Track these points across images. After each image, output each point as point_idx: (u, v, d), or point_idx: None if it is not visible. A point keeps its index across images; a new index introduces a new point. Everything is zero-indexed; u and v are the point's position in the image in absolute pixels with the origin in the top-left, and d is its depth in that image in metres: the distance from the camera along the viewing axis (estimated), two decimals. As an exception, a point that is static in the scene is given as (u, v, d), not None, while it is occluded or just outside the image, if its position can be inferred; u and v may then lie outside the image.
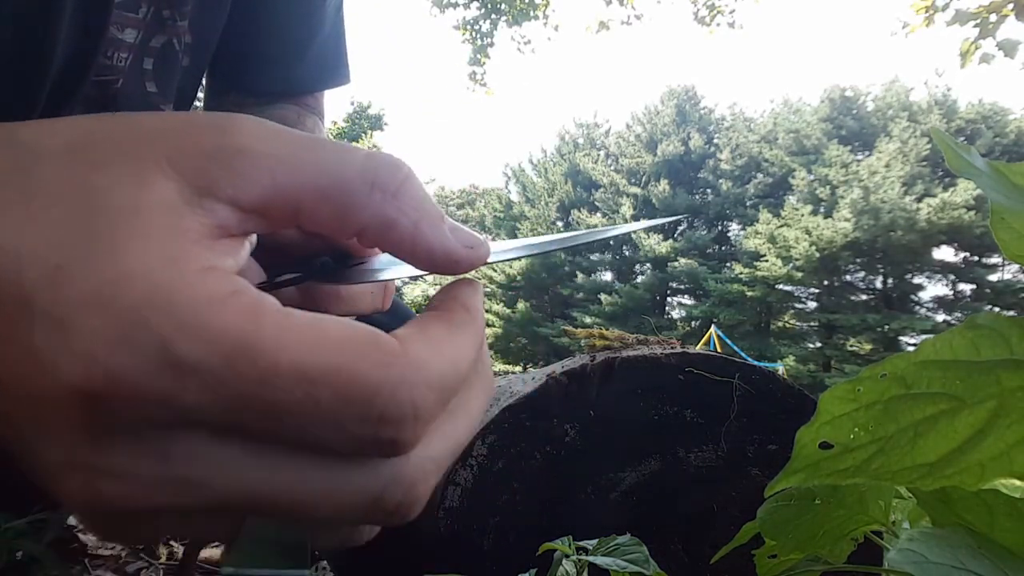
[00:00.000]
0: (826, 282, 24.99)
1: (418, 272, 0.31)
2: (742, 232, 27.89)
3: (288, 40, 0.78)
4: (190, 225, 0.20)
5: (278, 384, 0.19)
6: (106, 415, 0.18)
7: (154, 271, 0.19)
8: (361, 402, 0.19)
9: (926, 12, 4.94)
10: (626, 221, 28.41)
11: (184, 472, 0.19)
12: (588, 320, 26.69)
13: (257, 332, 0.19)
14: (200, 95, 0.78)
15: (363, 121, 34.46)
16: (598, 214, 29.75)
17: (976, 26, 4.62)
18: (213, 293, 0.19)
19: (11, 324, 0.18)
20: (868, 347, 23.28)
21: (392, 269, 0.32)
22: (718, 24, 7.51)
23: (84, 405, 0.18)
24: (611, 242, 29.89)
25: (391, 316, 0.82)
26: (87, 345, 0.18)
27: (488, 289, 30.72)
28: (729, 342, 14.96)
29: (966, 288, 24.44)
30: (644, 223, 0.42)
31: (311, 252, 0.44)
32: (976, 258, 23.67)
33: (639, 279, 29.55)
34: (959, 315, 22.86)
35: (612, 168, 31.30)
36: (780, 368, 14.67)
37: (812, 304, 26.07)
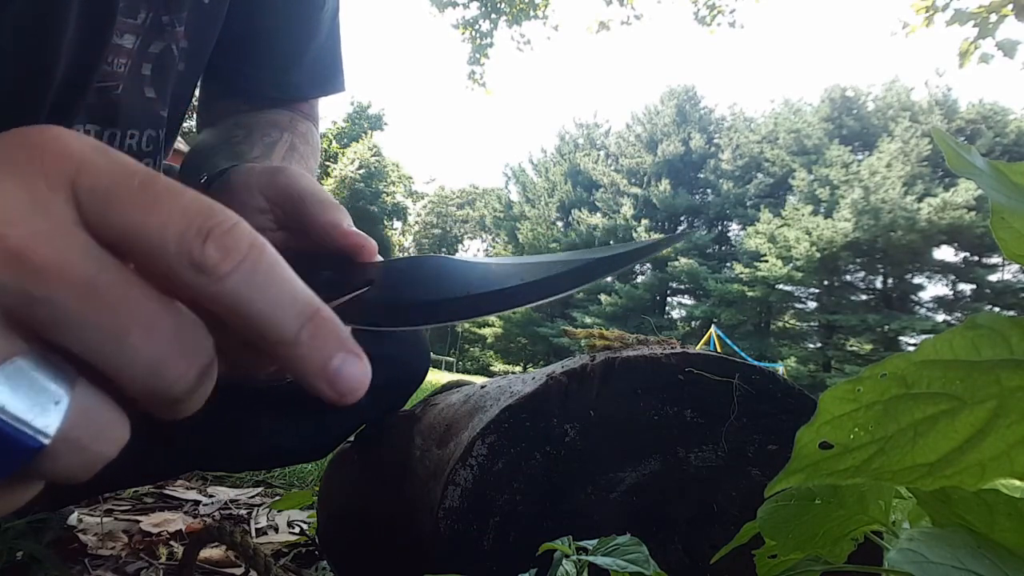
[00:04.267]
0: (826, 282, 24.99)
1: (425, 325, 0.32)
2: (742, 232, 27.89)
3: (284, 46, 0.78)
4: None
5: (24, 258, 0.19)
6: None
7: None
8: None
9: (926, 12, 4.94)
10: (626, 220, 28.42)
11: None
12: (588, 320, 26.70)
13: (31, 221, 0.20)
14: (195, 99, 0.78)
15: (363, 121, 34.46)
16: (598, 214, 29.74)
17: (976, 26, 4.61)
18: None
19: None
20: (868, 347, 23.28)
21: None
22: (718, 24, 7.51)
23: None
24: (610, 242, 29.86)
25: (400, 346, 0.82)
26: None
27: (488, 289, 30.63)
28: (729, 342, 14.95)
29: (966, 288, 24.43)
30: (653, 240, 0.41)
31: (308, 255, 0.44)
32: (976, 258, 23.66)
33: (639, 279, 29.54)
34: (959, 315, 22.85)
35: (612, 168, 31.29)
36: (780, 368, 14.67)
37: (812, 304, 26.08)
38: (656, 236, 0.43)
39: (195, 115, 0.82)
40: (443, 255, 0.37)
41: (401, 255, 27.55)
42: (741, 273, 25.25)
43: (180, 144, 0.89)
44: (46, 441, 0.20)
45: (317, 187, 0.44)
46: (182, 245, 0.21)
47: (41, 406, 0.20)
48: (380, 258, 0.41)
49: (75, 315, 0.20)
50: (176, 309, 0.22)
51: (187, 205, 0.21)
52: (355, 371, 0.23)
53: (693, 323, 27.23)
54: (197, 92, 0.77)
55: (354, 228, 0.41)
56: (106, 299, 0.20)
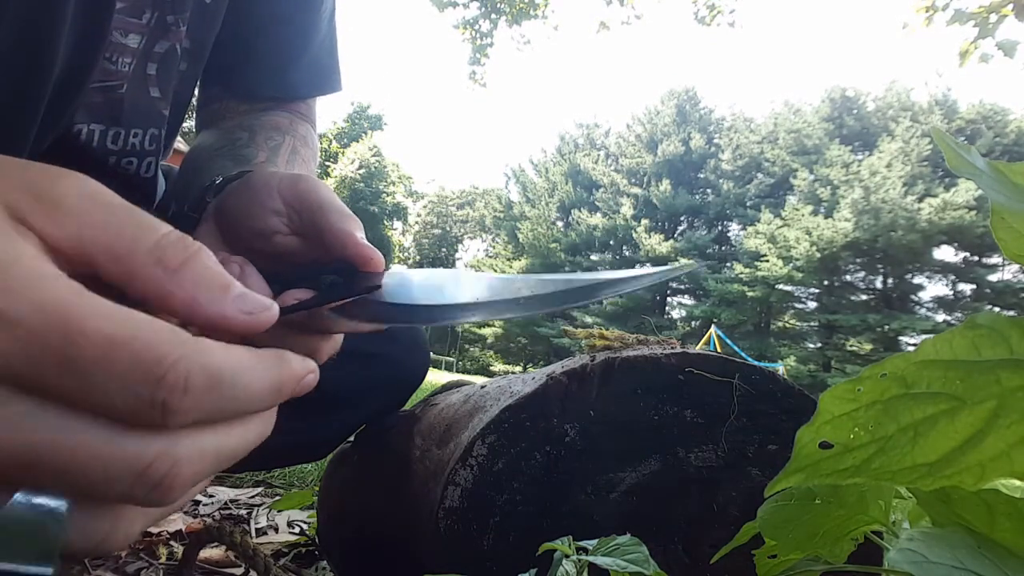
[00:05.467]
0: (826, 282, 24.98)
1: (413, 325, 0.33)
2: (742, 232, 27.88)
3: (283, 47, 0.78)
4: (12, 232, 0.24)
5: (82, 341, 0.22)
6: None
7: None
8: (149, 364, 0.23)
9: (926, 12, 4.93)
10: (626, 220, 28.39)
11: None
12: (588, 320, 26.69)
13: (76, 302, 0.23)
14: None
15: (363, 121, 34.46)
16: (598, 214, 29.73)
17: (976, 26, 4.61)
18: (43, 270, 0.23)
19: None
20: (868, 347, 23.27)
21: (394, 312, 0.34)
22: (718, 24, 7.51)
23: None
24: (611, 242, 29.87)
25: (400, 345, 0.82)
26: None
27: (488, 289, 30.63)
28: (729, 342, 14.95)
29: (966, 288, 24.42)
30: (651, 271, 0.42)
31: (314, 261, 0.44)
32: (976, 258, 23.65)
33: (639, 279, 29.43)
34: (959, 315, 22.85)
35: (612, 168, 31.27)
36: (780, 368, 14.66)
37: (812, 304, 26.07)
38: (664, 267, 0.43)
39: (195, 115, 0.82)
40: (451, 269, 0.38)
41: (402, 255, 27.33)
42: (741, 273, 25.24)
43: (180, 144, 0.89)
44: (51, 571, 0.23)
45: (336, 198, 0.45)
46: None
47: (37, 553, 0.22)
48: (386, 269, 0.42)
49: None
50: None
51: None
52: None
53: (693, 323, 27.23)
54: (196, 92, 0.77)
55: (366, 241, 0.42)
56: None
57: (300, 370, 0.28)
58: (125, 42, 0.59)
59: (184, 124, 0.81)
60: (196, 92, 0.77)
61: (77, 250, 0.26)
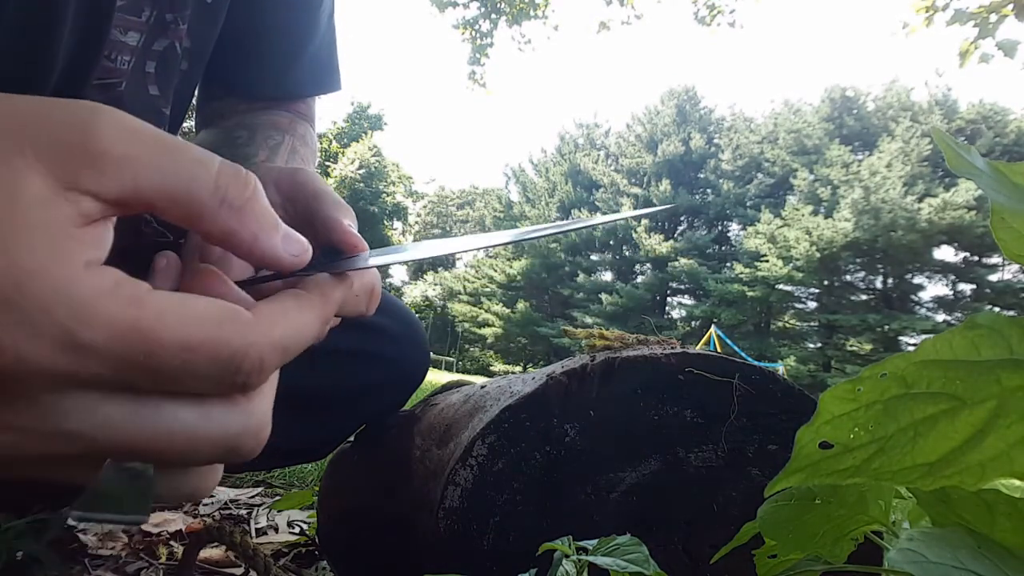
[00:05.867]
0: (826, 282, 24.98)
1: (393, 261, 0.34)
2: (742, 232, 27.87)
3: (282, 46, 0.78)
4: (62, 217, 0.23)
5: (163, 355, 0.23)
6: (14, 386, 0.22)
7: (48, 270, 0.22)
8: (226, 361, 0.25)
9: (926, 12, 4.93)
10: (626, 220, 28.37)
11: (78, 427, 0.24)
12: (588, 320, 26.69)
13: (141, 315, 0.23)
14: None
15: (363, 121, 34.46)
16: (598, 214, 29.69)
17: (976, 26, 4.61)
18: (100, 287, 0.23)
19: None
20: (868, 347, 23.27)
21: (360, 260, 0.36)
22: (718, 24, 7.51)
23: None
24: (611, 242, 29.84)
25: (392, 319, 0.82)
26: (3, 336, 0.22)
27: (488, 289, 30.74)
28: (729, 342, 14.95)
29: (966, 288, 24.43)
30: (632, 212, 0.43)
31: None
32: (976, 258, 23.65)
33: (639, 279, 29.53)
34: (959, 315, 22.85)
35: (612, 168, 31.28)
36: (780, 368, 14.66)
37: (812, 304, 26.07)
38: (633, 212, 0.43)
39: (194, 114, 0.82)
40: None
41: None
42: (741, 273, 25.24)
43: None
44: (147, 518, 0.26)
45: (331, 190, 0.46)
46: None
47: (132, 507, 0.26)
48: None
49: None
50: None
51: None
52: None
53: (693, 323, 27.22)
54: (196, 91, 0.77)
55: (354, 230, 0.42)
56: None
57: (339, 296, 0.31)
58: (124, 40, 0.59)
59: (184, 124, 0.81)
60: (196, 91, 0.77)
61: (135, 198, 0.25)
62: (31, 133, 0.24)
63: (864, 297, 25.13)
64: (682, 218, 29.92)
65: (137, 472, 0.25)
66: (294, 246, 0.29)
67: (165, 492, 0.27)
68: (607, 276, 30.57)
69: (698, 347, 0.70)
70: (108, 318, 0.23)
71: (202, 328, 0.24)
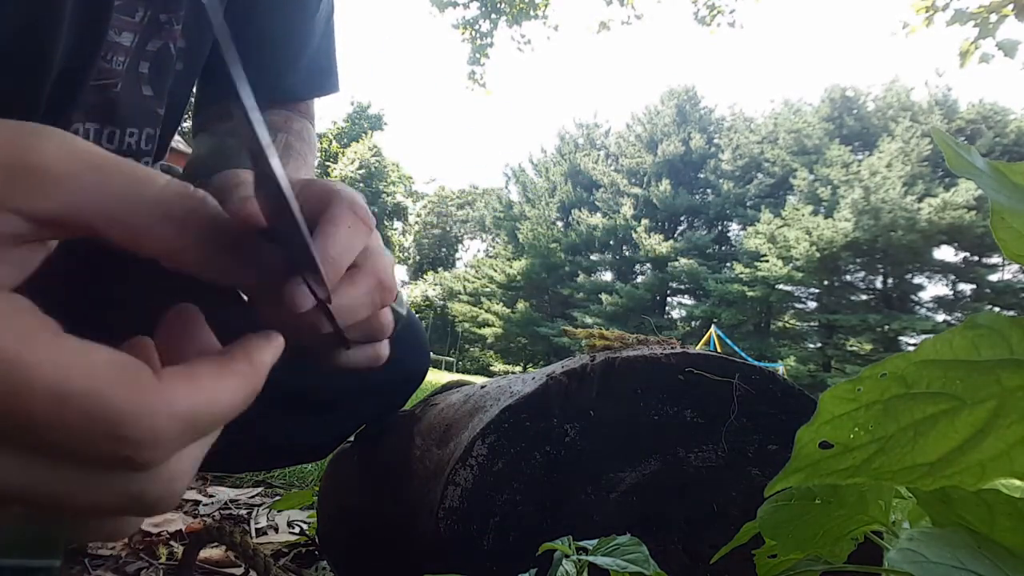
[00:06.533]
0: (826, 282, 24.98)
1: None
2: (742, 232, 27.88)
3: (281, 50, 0.78)
4: None
5: (31, 401, 0.20)
6: None
7: None
8: (105, 423, 0.21)
9: (926, 12, 4.93)
10: (626, 220, 28.38)
11: None
12: (588, 320, 26.68)
13: (21, 350, 0.20)
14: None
15: (363, 121, 34.47)
16: (598, 214, 29.74)
17: (976, 26, 4.61)
18: None
19: None
20: (868, 347, 23.27)
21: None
22: (718, 24, 7.51)
23: None
24: (611, 242, 29.83)
25: (400, 345, 0.82)
26: None
27: (488, 289, 30.73)
28: (729, 342, 14.95)
29: (966, 288, 24.43)
30: None
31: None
32: (976, 258, 23.66)
33: (639, 279, 29.53)
34: (959, 315, 22.85)
35: (612, 168, 31.27)
36: (780, 368, 14.67)
37: (812, 304, 26.07)
38: None
39: (191, 117, 0.82)
40: None
41: (402, 255, 27.26)
42: (741, 273, 25.23)
43: (181, 145, 0.89)
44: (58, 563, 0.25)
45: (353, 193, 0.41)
46: None
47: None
48: None
49: None
50: None
51: None
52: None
53: (693, 323, 27.22)
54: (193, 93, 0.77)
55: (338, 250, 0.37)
56: None
57: (269, 360, 0.27)
58: (119, 40, 0.59)
59: (185, 124, 0.81)
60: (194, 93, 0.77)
61: (72, 218, 0.24)
62: None
63: (864, 297, 25.14)
64: (682, 218, 29.93)
65: (47, 519, 0.24)
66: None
67: (76, 536, 0.24)
68: (607, 276, 30.57)
69: (698, 347, 0.70)
70: None
71: (85, 381, 0.21)
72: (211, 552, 0.91)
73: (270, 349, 0.28)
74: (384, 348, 0.41)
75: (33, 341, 0.21)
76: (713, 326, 15.87)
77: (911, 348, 0.27)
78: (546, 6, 7.83)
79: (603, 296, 27.73)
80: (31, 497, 0.22)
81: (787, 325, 26.05)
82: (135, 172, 0.25)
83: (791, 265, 24.03)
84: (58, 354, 0.21)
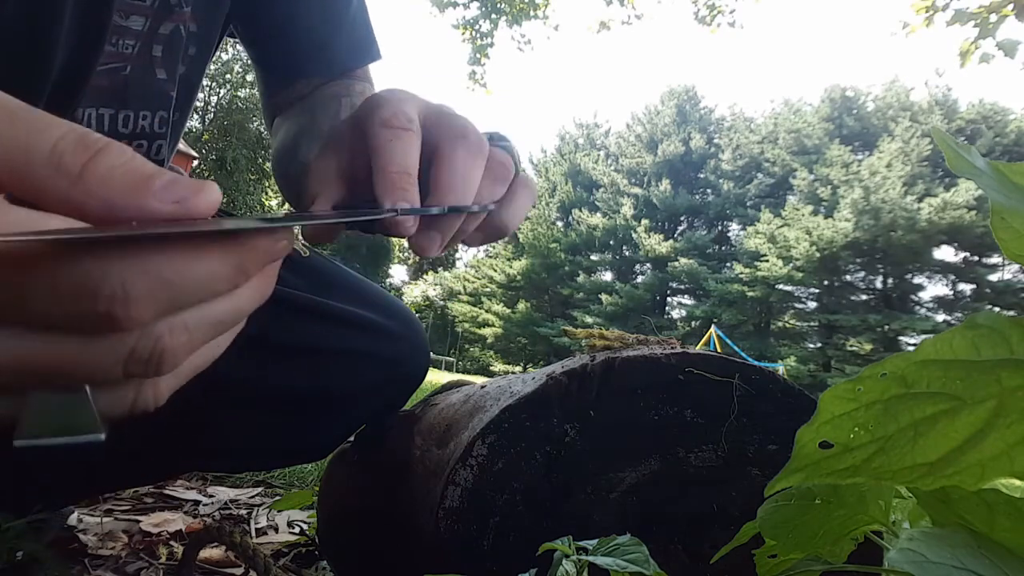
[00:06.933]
0: (826, 282, 24.98)
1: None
2: (743, 232, 27.87)
3: (321, 22, 0.78)
4: None
5: None
6: None
7: None
8: (74, 281, 0.21)
9: (926, 12, 4.93)
10: (626, 220, 28.39)
11: None
12: (588, 320, 26.68)
13: None
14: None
15: (363, 121, 34.33)
16: (598, 214, 29.74)
17: (976, 26, 4.61)
18: None
19: None
20: (868, 347, 23.27)
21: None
22: (718, 24, 7.51)
23: None
24: (611, 242, 29.80)
25: (392, 319, 0.82)
26: None
27: (488, 289, 30.72)
28: (729, 342, 14.95)
29: (966, 288, 24.43)
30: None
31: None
32: (976, 258, 23.66)
33: (639, 279, 29.52)
34: (959, 315, 22.84)
35: (612, 168, 31.26)
36: (780, 368, 14.66)
37: (812, 304, 26.07)
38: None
39: (262, 110, 0.84)
40: None
41: (402, 255, 27.09)
42: (741, 273, 25.24)
43: (181, 146, 0.89)
44: (103, 436, 0.24)
45: (392, 99, 0.42)
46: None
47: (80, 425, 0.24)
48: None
49: None
50: None
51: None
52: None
53: (693, 323, 27.21)
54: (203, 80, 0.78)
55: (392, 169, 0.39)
56: None
57: (264, 243, 0.26)
58: (126, 24, 0.59)
59: (190, 123, 0.82)
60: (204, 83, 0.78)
61: None
62: None
63: (864, 297, 25.14)
64: (682, 218, 29.92)
65: (69, 394, 0.24)
66: (179, 190, 0.24)
67: (104, 408, 0.25)
68: (607, 276, 30.57)
69: (698, 347, 0.70)
70: None
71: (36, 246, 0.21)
72: (211, 552, 0.91)
73: (268, 238, 0.27)
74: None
75: None
76: (713, 326, 15.87)
77: (911, 348, 0.27)
78: (546, 6, 7.83)
79: (603, 296, 27.73)
80: (31, 368, 0.22)
81: (787, 325, 26.05)
82: (36, 121, 0.24)
83: (791, 265, 24.04)
84: (12, 218, 0.21)
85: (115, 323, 0.22)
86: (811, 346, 25.38)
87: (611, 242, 29.93)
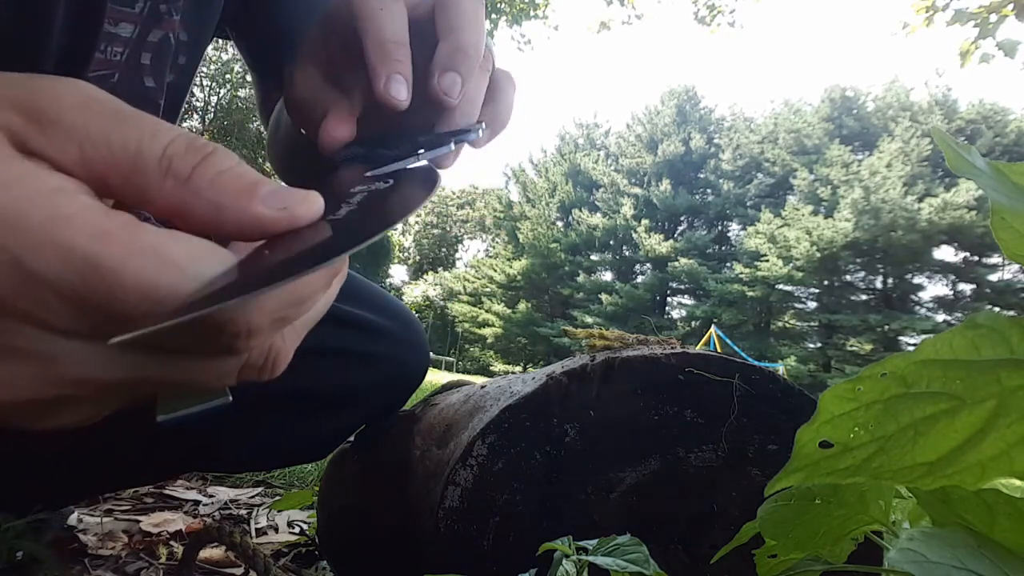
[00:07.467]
0: (826, 282, 24.99)
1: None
2: (743, 232, 27.86)
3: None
4: (14, 155, 0.22)
5: (124, 301, 0.21)
6: None
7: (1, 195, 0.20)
8: (205, 325, 0.22)
9: (926, 12, 4.93)
10: (626, 220, 28.38)
11: (68, 371, 0.22)
12: (588, 320, 26.68)
13: (103, 251, 0.21)
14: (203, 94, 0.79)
15: (363, 121, 34.31)
16: (598, 214, 29.74)
17: (976, 26, 4.61)
18: (59, 211, 0.21)
19: None
20: (868, 347, 23.27)
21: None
22: (718, 24, 7.51)
23: None
24: (611, 242, 29.81)
25: (391, 319, 0.82)
26: None
27: (488, 289, 30.72)
28: (729, 342, 14.95)
29: (966, 288, 24.43)
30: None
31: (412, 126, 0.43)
32: (976, 258, 23.66)
33: (639, 279, 29.52)
34: (959, 315, 22.85)
35: (612, 168, 31.26)
36: (780, 368, 14.66)
37: (812, 304, 26.07)
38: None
39: (260, 117, 0.84)
40: None
41: (402, 255, 27.10)
42: (741, 273, 25.24)
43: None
44: (230, 398, 0.27)
45: (383, 13, 0.40)
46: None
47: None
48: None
49: None
50: None
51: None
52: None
53: (693, 323, 27.20)
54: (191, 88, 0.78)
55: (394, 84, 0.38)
56: None
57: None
58: (116, 31, 0.59)
59: (184, 125, 0.82)
60: (199, 89, 0.78)
61: (86, 172, 0.23)
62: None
63: (864, 297, 25.14)
64: (682, 218, 29.92)
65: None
66: (281, 198, 0.25)
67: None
68: (607, 276, 30.56)
69: (698, 347, 0.70)
70: (62, 246, 0.20)
71: (171, 278, 0.21)
72: (211, 552, 0.91)
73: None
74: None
75: (110, 239, 0.21)
76: (713, 326, 15.87)
77: (911, 348, 0.27)
78: (546, 6, 7.83)
79: (603, 296, 27.73)
80: (158, 381, 0.24)
81: (787, 325, 26.05)
82: (145, 126, 0.24)
83: (791, 265, 24.04)
84: (142, 251, 0.21)
85: (237, 351, 0.24)
86: (811, 346, 25.39)
87: (611, 242, 29.93)
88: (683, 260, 26.93)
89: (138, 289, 0.21)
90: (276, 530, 1.10)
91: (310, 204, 0.25)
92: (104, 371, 0.22)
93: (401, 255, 37.37)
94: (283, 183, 0.72)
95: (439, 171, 0.36)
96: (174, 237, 0.22)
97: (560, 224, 31.33)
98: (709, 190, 29.36)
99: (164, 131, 0.24)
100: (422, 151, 0.38)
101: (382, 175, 0.35)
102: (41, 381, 0.22)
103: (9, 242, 0.20)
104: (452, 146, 0.39)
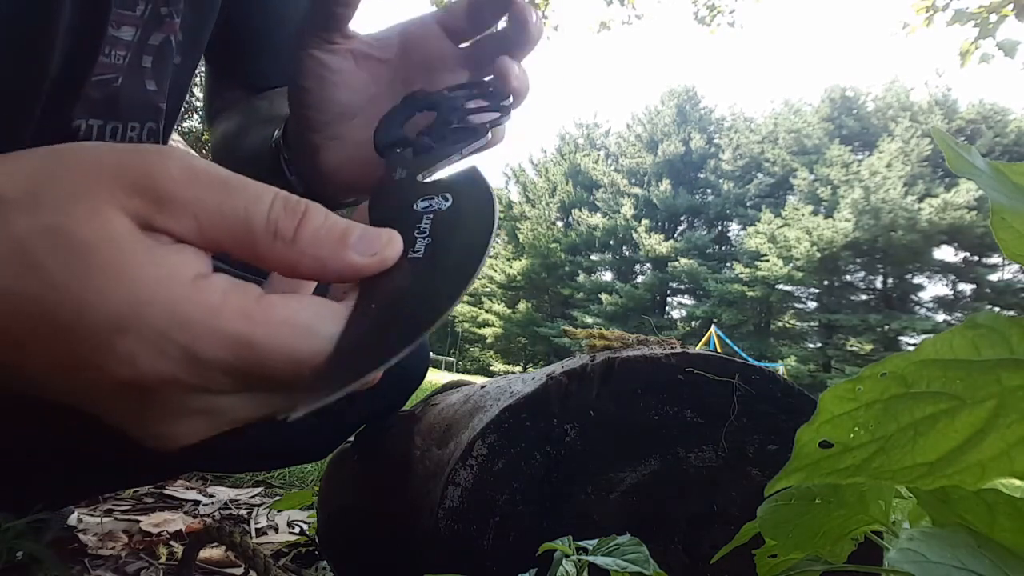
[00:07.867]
0: (826, 282, 24.98)
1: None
2: (743, 232, 27.86)
3: (286, 34, 0.78)
4: (159, 249, 0.25)
5: (274, 366, 0.26)
6: (163, 396, 0.26)
7: (159, 297, 0.24)
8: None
9: (926, 12, 4.93)
10: (626, 220, 28.38)
11: (221, 417, 0.28)
12: (588, 320, 26.68)
13: (253, 331, 0.25)
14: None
15: (363, 121, 34.29)
16: (599, 214, 29.74)
17: (976, 26, 4.61)
18: (210, 305, 0.25)
19: (59, 342, 0.25)
20: (868, 347, 23.27)
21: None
22: (718, 24, 7.50)
23: (141, 393, 0.25)
24: (611, 242, 29.81)
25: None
26: (130, 357, 0.24)
27: (488, 289, 30.72)
28: (729, 342, 14.95)
29: (966, 288, 24.43)
30: None
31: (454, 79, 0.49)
32: (976, 258, 23.66)
33: (639, 279, 29.52)
34: (959, 315, 22.84)
35: (612, 168, 31.25)
36: (780, 368, 14.66)
37: (812, 304, 26.07)
38: None
39: (204, 111, 0.83)
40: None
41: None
42: (741, 273, 25.25)
43: (178, 142, 0.89)
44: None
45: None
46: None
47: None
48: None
49: None
50: None
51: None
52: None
53: (693, 323, 27.20)
54: (192, 88, 0.78)
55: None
56: None
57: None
58: (118, 35, 0.59)
59: (184, 124, 0.81)
60: (199, 89, 0.78)
61: (204, 241, 0.26)
62: (111, 182, 0.26)
63: (864, 297, 25.15)
64: (682, 218, 29.92)
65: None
66: (369, 244, 0.28)
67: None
68: (607, 276, 30.56)
69: (698, 347, 0.70)
70: (222, 336, 0.25)
71: (309, 343, 0.26)
72: (211, 552, 0.91)
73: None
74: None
75: (253, 319, 0.25)
76: (713, 326, 15.87)
77: (911, 348, 0.27)
78: (546, 6, 7.82)
79: (603, 296, 27.74)
80: (251, 418, 0.28)
81: (787, 325, 26.06)
82: (247, 191, 0.27)
83: (791, 265, 24.04)
84: (279, 324, 0.25)
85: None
86: (811, 346, 25.39)
87: (611, 242, 29.93)
88: (683, 260, 26.93)
89: (285, 358, 0.25)
90: (276, 530, 1.10)
91: (395, 246, 0.29)
92: (255, 412, 0.28)
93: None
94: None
95: (487, 180, 0.37)
96: (299, 303, 0.26)
97: (560, 224, 31.34)
98: (709, 190, 29.36)
99: (265, 194, 0.27)
100: (460, 144, 0.40)
101: (438, 190, 0.35)
102: (212, 427, 0.28)
103: (178, 336, 0.24)
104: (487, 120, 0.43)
